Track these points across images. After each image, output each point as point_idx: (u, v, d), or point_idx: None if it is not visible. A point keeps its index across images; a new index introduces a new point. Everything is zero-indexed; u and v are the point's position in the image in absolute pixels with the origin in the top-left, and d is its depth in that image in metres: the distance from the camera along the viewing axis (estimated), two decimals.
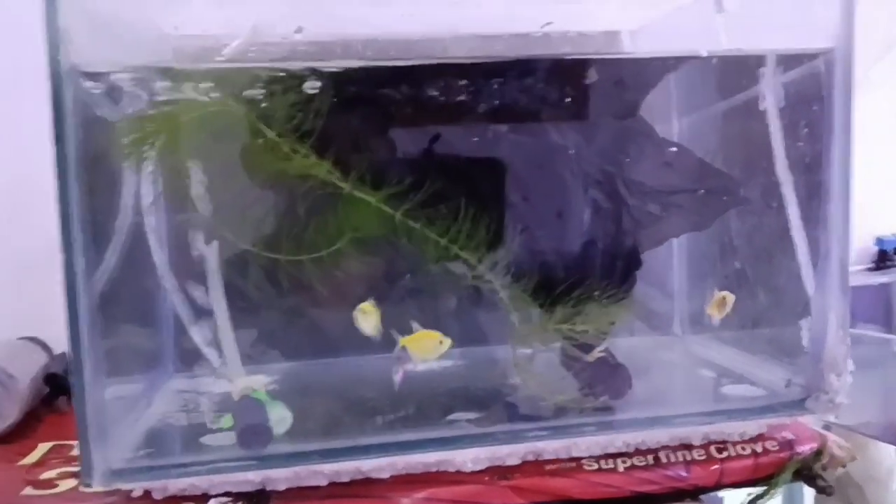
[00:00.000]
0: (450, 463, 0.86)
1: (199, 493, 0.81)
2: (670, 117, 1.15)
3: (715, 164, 1.06)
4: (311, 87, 0.87)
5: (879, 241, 1.72)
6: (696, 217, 1.07)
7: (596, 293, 0.94)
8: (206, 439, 0.87)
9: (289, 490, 0.83)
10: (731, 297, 0.97)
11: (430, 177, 0.90)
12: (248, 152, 0.92)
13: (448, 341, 0.87)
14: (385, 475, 0.85)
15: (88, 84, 0.79)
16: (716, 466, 0.89)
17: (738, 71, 1.00)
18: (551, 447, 0.88)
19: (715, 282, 1.14)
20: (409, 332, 0.88)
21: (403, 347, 0.87)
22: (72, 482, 0.88)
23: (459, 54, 0.99)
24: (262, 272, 1.00)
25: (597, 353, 0.94)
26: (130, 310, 0.99)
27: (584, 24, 1.03)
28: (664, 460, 0.89)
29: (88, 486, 0.77)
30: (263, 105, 0.87)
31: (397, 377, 0.90)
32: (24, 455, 0.98)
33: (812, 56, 0.90)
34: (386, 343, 0.93)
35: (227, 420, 0.88)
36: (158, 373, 1.08)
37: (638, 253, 1.04)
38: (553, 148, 1.00)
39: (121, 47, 0.88)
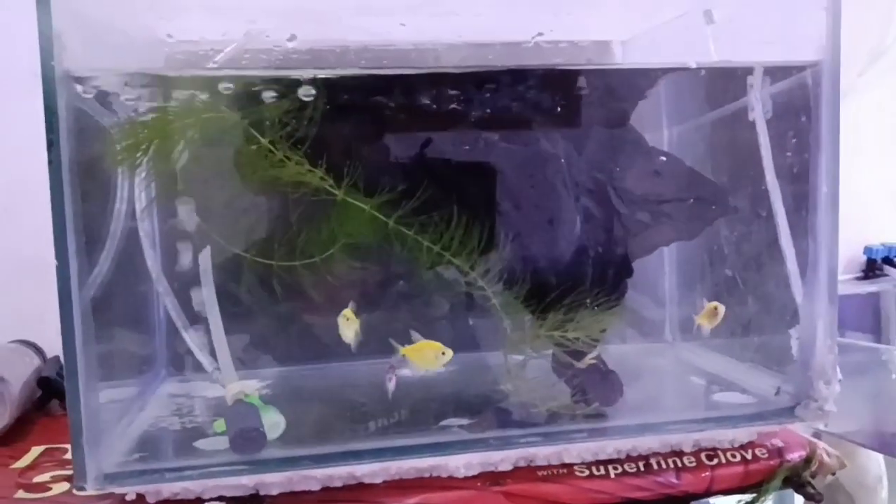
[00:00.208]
0: (442, 468, 0.87)
1: (192, 496, 0.82)
2: (661, 127, 1.16)
3: (704, 173, 1.07)
4: (305, 94, 0.88)
5: (868, 250, 1.73)
6: (686, 226, 1.08)
7: (587, 300, 0.94)
8: (200, 443, 0.87)
9: (282, 494, 0.83)
10: (722, 308, 0.97)
11: (422, 184, 0.91)
12: (242, 159, 0.92)
13: (449, 353, 0.88)
14: (378, 480, 0.85)
15: (81, 89, 0.80)
16: (706, 473, 0.90)
17: (727, 81, 1.02)
18: (543, 453, 0.89)
19: (705, 291, 1.15)
20: (404, 338, 0.89)
21: (404, 356, 0.88)
22: (65, 485, 0.88)
23: (452, 63, 1.00)
24: (255, 277, 1.00)
25: (588, 360, 0.94)
26: (124, 314, 1.00)
27: (575, 35, 1.05)
28: (655, 467, 0.90)
29: (82, 489, 0.77)
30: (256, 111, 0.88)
31: (390, 384, 0.91)
32: (17, 458, 0.98)
33: (800, 68, 0.91)
34: (380, 349, 0.93)
35: (219, 424, 0.88)
36: (151, 377, 1.08)
37: (629, 261, 1.04)
38: (544, 156, 1.01)
39: (114, 54, 0.89)
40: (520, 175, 1.00)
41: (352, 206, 0.91)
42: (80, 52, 0.77)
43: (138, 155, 0.88)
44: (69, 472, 0.90)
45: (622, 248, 1.04)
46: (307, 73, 0.87)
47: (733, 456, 0.92)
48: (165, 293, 0.96)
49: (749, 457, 0.92)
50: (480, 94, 0.97)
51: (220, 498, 0.82)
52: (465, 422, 0.92)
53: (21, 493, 0.87)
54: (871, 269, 1.74)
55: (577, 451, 0.89)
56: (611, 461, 0.90)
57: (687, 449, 0.92)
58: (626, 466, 0.89)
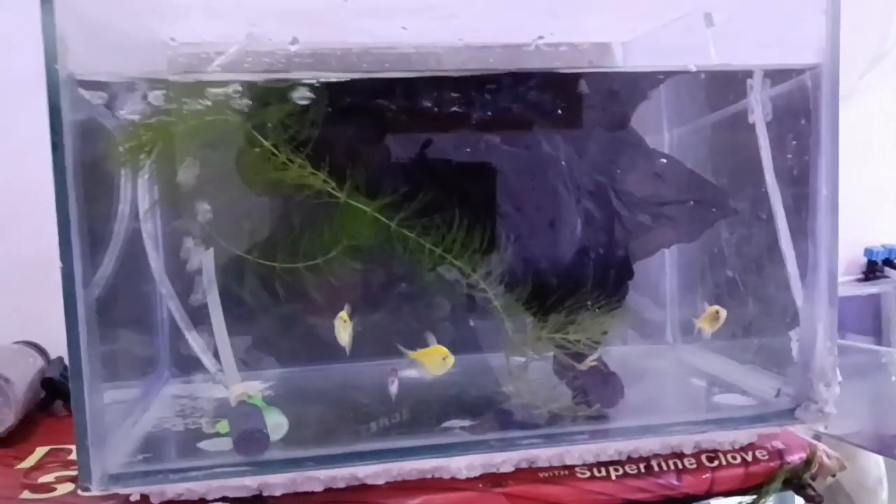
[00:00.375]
0: (444, 469, 0.87)
1: (196, 497, 0.82)
2: (661, 129, 1.16)
3: (705, 175, 1.08)
4: (306, 97, 0.89)
5: (868, 251, 1.73)
6: (687, 228, 1.08)
7: (589, 302, 0.95)
8: (203, 444, 0.88)
9: (285, 495, 0.84)
10: (723, 313, 0.98)
11: (424, 187, 0.92)
12: (244, 161, 0.93)
13: (452, 359, 0.88)
14: (380, 481, 0.86)
15: (85, 92, 0.80)
16: (707, 475, 0.90)
17: (727, 84, 1.02)
18: (545, 455, 0.89)
19: (705, 293, 1.15)
20: (407, 339, 0.89)
21: (413, 360, 0.88)
22: (69, 486, 0.89)
23: (453, 66, 1.00)
24: (258, 279, 1.01)
25: (589, 362, 0.94)
26: (127, 315, 1.00)
27: (575, 37, 1.05)
28: (656, 468, 0.90)
29: (87, 490, 0.78)
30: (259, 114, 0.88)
31: (392, 387, 0.91)
32: (22, 459, 0.98)
33: (799, 71, 0.91)
34: (382, 350, 0.94)
35: (223, 426, 0.89)
36: (155, 378, 1.09)
37: (630, 263, 1.05)
38: (545, 158, 1.01)
39: (117, 57, 0.89)
40: (521, 177, 1.01)
41: (354, 209, 0.92)
42: (83, 54, 0.77)
43: (141, 157, 0.89)
44: (73, 473, 0.91)
45: (623, 250, 1.04)
46: (309, 77, 0.88)
47: (734, 458, 0.92)
48: (168, 295, 0.96)
49: (749, 458, 0.92)
50: (481, 96, 0.97)
51: (223, 499, 0.83)
52: (466, 423, 0.92)
53: (26, 494, 0.87)
54: (872, 270, 1.75)
55: (578, 452, 0.90)
56: (612, 463, 0.90)
57: (688, 450, 0.92)
58: (627, 468, 0.90)
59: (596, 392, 0.94)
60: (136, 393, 1.01)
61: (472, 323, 1.06)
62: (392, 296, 1.08)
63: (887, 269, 1.74)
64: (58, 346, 1.21)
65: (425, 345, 0.88)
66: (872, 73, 1.66)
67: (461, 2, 0.89)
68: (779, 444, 0.94)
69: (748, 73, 0.97)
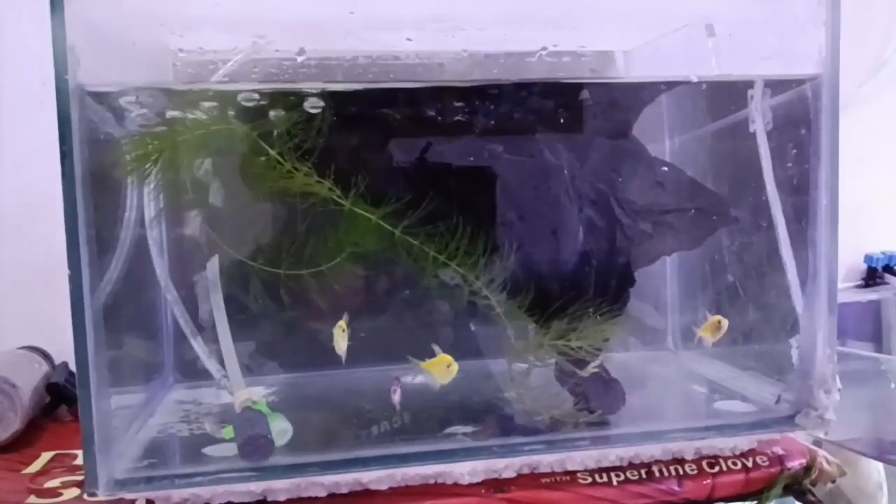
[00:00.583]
0: (447, 475, 0.88)
1: (201, 502, 0.83)
2: (663, 137, 1.17)
3: (706, 184, 1.08)
4: (313, 106, 0.89)
5: (868, 258, 1.74)
6: (688, 236, 1.09)
7: (590, 309, 0.96)
8: (208, 450, 0.88)
9: (289, 501, 0.84)
10: (725, 322, 0.98)
11: (428, 195, 0.92)
12: (250, 170, 0.94)
13: (456, 366, 0.89)
14: (384, 487, 0.86)
15: (94, 102, 0.81)
16: (707, 481, 0.91)
17: (728, 93, 1.03)
18: (547, 460, 0.90)
19: (706, 300, 1.16)
20: (411, 345, 0.90)
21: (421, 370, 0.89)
22: (75, 491, 0.89)
23: (457, 74, 1.01)
24: (262, 285, 1.01)
25: (591, 369, 0.95)
26: (133, 321, 1.01)
27: (578, 46, 1.06)
28: (657, 474, 0.91)
29: (94, 495, 0.78)
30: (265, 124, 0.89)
31: (395, 396, 0.92)
32: (27, 464, 0.99)
33: (800, 81, 0.92)
34: (385, 356, 0.94)
35: (227, 431, 0.89)
36: (159, 384, 1.09)
37: (631, 270, 1.05)
38: (548, 167, 1.02)
39: (126, 67, 0.90)
40: (524, 185, 1.01)
41: (358, 216, 0.92)
42: (92, 65, 0.78)
43: (147, 165, 0.89)
44: (79, 478, 0.92)
45: (625, 257, 1.05)
46: (315, 86, 0.89)
47: (734, 463, 0.93)
48: (174, 301, 0.97)
49: (750, 464, 0.93)
50: (485, 106, 0.98)
51: None
52: (469, 429, 0.93)
53: (32, 499, 0.88)
54: (872, 277, 1.75)
55: (580, 458, 0.90)
56: (613, 468, 0.91)
57: (688, 456, 0.93)
58: (628, 474, 0.90)
59: (597, 398, 0.95)
60: (142, 398, 1.02)
61: (474, 329, 1.07)
62: (395, 302, 1.09)
63: (887, 276, 1.74)
64: (62, 352, 1.22)
65: (431, 354, 0.89)
66: (872, 82, 1.67)
67: (466, 13, 0.90)
68: (779, 450, 0.95)
69: (749, 83, 0.97)
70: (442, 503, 0.85)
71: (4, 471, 0.97)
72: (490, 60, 1.04)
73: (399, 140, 0.99)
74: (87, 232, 0.78)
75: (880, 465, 1.32)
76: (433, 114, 0.97)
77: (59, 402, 1.18)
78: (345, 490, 0.86)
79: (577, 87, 1.02)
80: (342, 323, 0.90)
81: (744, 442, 0.94)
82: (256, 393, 0.94)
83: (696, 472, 0.91)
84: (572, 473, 0.90)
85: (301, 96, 0.89)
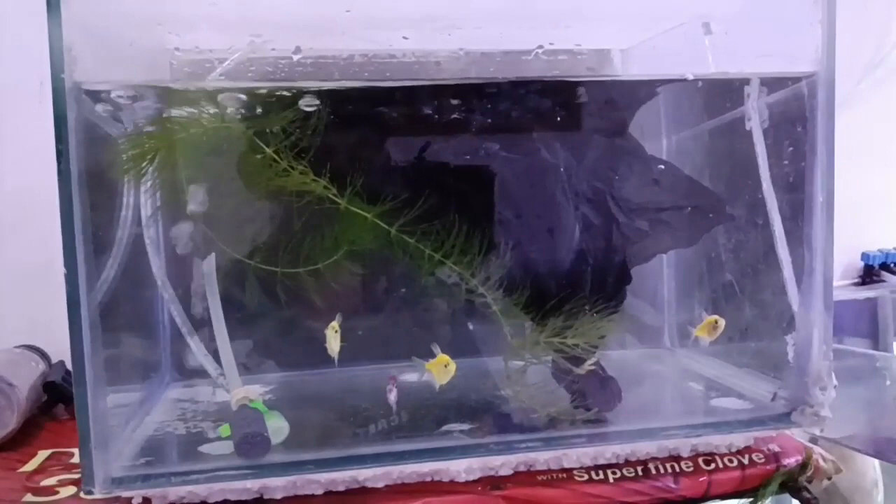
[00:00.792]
0: (444, 473, 0.88)
1: (197, 500, 0.83)
2: (659, 135, 1.17)
3: (702, 182, 1.09)
4: (308, 104, 0.90)
5: (865, 256, 1.74)
6: (685, 234, 1.09)
7: (587, 307, 0.96)
8: (205, 448, 0.88)
9: (286, 498, 0.85)
10: (722, 322, 0.98)
11: (424, 193, 0.92)
12: (246, 168, 0.94)
13: (453, 365, 0.89)
14: (380, 484, 0.86)
15: (91, 101, 0.81)
16: (704, 478, 0.91)
17: (725, 91, 1.03)
18: (543, 458, 0.90)
19: (702, 299, 1.16)
20: (408, 343, 0.90)
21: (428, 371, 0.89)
22: (72, 489, 0.89)
23: (453, 72, 1.01)
24: (259, 283, 1.01)
25: (587, 366, 0.95)
26: (130, 320, 1.01)
27: (574, 44, 1.06)
28: (653, 471, 0.91)
29: (90, 493, 0.79)
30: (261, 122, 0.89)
31: (391, 395, 0.92)
32: (24, 462, 0.99)
33: (796, 79, 0.92)
34: (381, 354, 0.94)
35: (224, 429, 0.90)
36: (156, 382, 1.09)
37: (628, 268, 1.06)
38: (544, 165, 1.02)
39: (123, 66, 0.90)
40: (520, 183, 1.01)
41: (355, 215, 0.92)
42: (89, 64, 0.78)
43: (144, 164, 0.90)
44: (76, 476, 0.92)
45: (621, 255, 1.05)
46: (311, 85, 0.89)
47: (730, 461, 0.93)
48: (170, 299, 0.97)
49: (746, 462, 0.93)
50: (482, 104, 0.98)
51: (224, 501, 0.84)
52: (466, 427, 0.93)
53: (29, 497, 0.88)
54: (869, 274, 1.75)
55: (576, 455, 0.91)
56: (610, 466, 0.91)
57: (685, 454, 0.93)
58: (624, 471, 0.91)
59: (594, 396, 0.95)
60: (138, 397, 1.02)
61: (471, 327, 1.07)
62: (392, 301, 1.09)
63: (884, 274, 1.74)
64: (58, 350, 1.22)
65: (429, 352, 0.89)
66: (869, 79, 1.67)
67: (462, 12, 0.90)
68: (775, 448, 0.95)
69: (745, 81, 0.98)
70: (438, 501, 0.85)
71: (1, 469, 0.97)
72: (487, 59, 1.04)
73: (395, 138, 0.99)
74: (84, 231, 0.78)
75: (876, 462, 1.33)
76: (430, 112, 0.97)
77: (56, 400, 1.18)
78: (341, 488, 0.86)
79: (574, 85, 1.02)
80: (334, 324, 0.90)
81: (740, 439, 0.95)
82: (253, 391, 0.94)
83: (692, 469, 0.92)
84: (569, 471, 0.90)
85: (297, 95, 0.89)
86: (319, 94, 0.89)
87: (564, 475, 0.90)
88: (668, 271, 1.24)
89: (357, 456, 0.86)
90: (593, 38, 1.13)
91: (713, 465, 0.92)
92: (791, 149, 0.95)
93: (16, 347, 1.24)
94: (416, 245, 0.93)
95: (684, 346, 1.22)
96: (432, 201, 0.93)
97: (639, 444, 0.92)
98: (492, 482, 0.88)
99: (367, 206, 0.93)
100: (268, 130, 0.89)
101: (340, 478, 0.85)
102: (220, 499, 0.83)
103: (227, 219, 0.98)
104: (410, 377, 0.93)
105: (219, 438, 0.90)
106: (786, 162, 0.96)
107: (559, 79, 1.02)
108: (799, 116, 0.92)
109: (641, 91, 1.07)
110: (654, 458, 0.93)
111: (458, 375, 0.90)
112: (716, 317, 0.98)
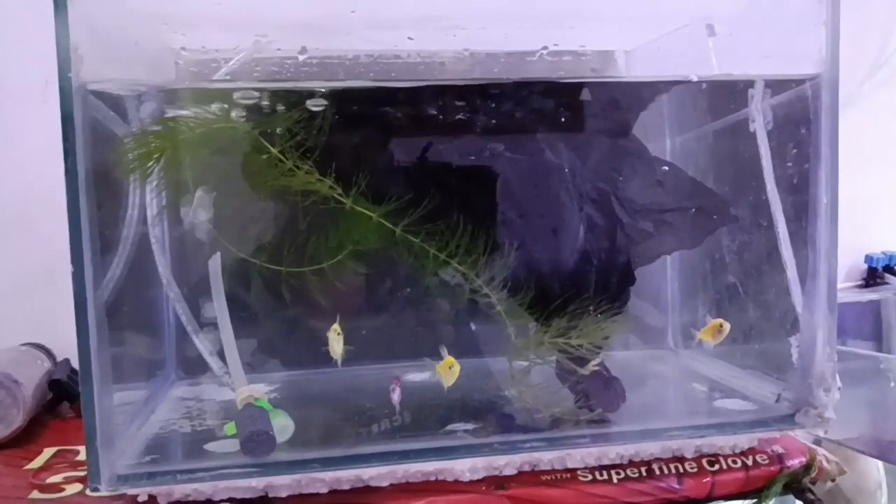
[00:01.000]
0: (448, 472, 0.88)
1: (203, 498, 0.83)
2: (663, 136, 1.17)
3: (706, 183, 1.09)
4: (314, 105, 0.90)
5: (869, 258, 1.74)
6: (688, 235, 1.09)
7: (591, 308, 0.96)
8: (210, 446, 0.89)
9: (290, 497, 0.85)
10: (727, 326, 0.98)
11: (429, 193, 0.93)
12: (252, 168, 0.94)
13: (458, 366, 0.90)
14: (384, 483, 0.87)
15: (97, 101, 0.81)
16: (707, 479, 0.91)
17: (729, 93, 1.03)
18: (547, 458, 0.90)
19: (706, 300, 1.16)
20: (410, 343, 0.90)
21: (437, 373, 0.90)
22: (78, 486, 0.90)
23: (458, 73, 1.01)
24: (263, 283, 1.02)
25: (591, 367, 0.95)
26: (135, 318, 1.01)
27: (578, 45, 1.06)
28: (657, 472, 0.91)
29: (96, 490, 0.79)
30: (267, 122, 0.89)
31: (394, 395, 0.92)
32: (30, 459, 1.00)
33: (800, 81, 0.92)
34: (386, 354, 0.94)
35: (230, 427, 0.90)
36: (162, 380, 1.10)
37: (632, 269, 1.06)
38: (548, 166, 1.02)
39: (129, 66, 0.90)
40: (524, 184, 1.02)
41: (360, 215, 0.93)
42: (96, 64, 0.78)
43: (150, 163, 0.90)
44: (81, 474, 0.92)
45: (625, 256, 1.05)
46: (317, 85, 0.89)
47: (734, 462, 0.93)
48: (176, 298, 0.98)
49: (750, 463, 0.93)
50: (486, 104, 0.98)
51: (229, 500, 0.84)
52: (470, 426, 0.93)
53: (36, 494, 0.89)
54: (872, 277, 1.75)
55: (580, 455, 0.91)
56: (613, 466, 0.91)
57: (689, 454, 0.93)
58: (628, 471, 0.91)
59: (598, 396, 0.95)
60: (144, 395, 1.02)
61: (475, 327, 1.07)
62: (396, 300, 1.09)
63: (888, 276, 1.74)
64: (64, 348, 1.23)
65: (434, 352, 0.89)
66: (873, 81, 1.67)
67: (467, 12, 0.90)
68: (779, 449, 0.95)
69: (749, 83, 0.98)
70: (442, 500, 0.86)
71: (7, 466, 0.98)
72: (491, 59, 1.04)
73: (400, 139, 1.00)
74: (91, 229, 0.78)
75: (880, 464, 1.32)
76: (434, 112, 0.98)
77: (62, 398, 1.18)
78: (346, 486, 0.86)
79: (578, 86, 1.02)
80: (336, 326, 0.90)
81: (744, 440, 0.95)
82: (258, 390, 0.94)
83: (696, 470, 0.92)
84: (572, 471, 0.90)
85: (302, 95, 0.89)
86: (325, 94, 0.89)
87: (568, 475, 0.90)
88: (672, 272, 1.24)
89: (362, 455, 0.86)
90: (597, 40, 1.13)
91: (717, 466, 0.92)
92: (795, 150, 0.95)
93: (21, 345, 1.24)
94: (421, 245, 0.93)
95: (688, 347, 1.22)
96: (437, 201, 0.93)
97: (642, 444, 0.92)
98: (496, 482, 0.88)
99: (372, 206, 0.93)
100: (271, 131, 0.89)
101: (345, 476, 0.86)
102: (225, 497, 0.84)
103: (233, 218, 0.99)
104: (414, 377, 0.93)
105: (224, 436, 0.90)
106: (790, 164, 0.96)
107: (563, 80, 1.02)
108: (803, 118, 0.92)
109: (645, 92, 1.07)
110: (657, 459, 0.93)
111: (463, 375, 0.90)
112: (720, 320, 0.98)
